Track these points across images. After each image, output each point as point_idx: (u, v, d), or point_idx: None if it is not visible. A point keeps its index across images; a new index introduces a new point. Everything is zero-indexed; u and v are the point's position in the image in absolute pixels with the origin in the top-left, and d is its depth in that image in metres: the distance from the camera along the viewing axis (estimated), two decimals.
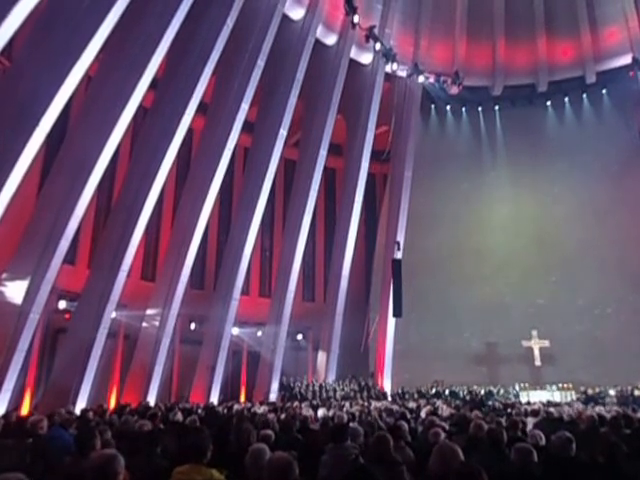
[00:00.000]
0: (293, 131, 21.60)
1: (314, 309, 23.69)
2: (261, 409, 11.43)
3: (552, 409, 9.87)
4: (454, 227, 23.84)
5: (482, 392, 20.18)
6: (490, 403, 17.43)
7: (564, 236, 22.79)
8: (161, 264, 19.06)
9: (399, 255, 21.42)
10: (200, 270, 21.39)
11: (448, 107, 26.58)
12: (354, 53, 22.93)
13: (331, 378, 21.26)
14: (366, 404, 14.75)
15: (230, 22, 17.22)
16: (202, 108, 17.88)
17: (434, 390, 20.56)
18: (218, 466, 3.54)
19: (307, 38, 20.56)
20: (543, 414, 8.98)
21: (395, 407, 12.81)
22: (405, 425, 5.46)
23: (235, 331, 19.87)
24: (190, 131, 18.19)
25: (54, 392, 14.40)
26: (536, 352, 21.53)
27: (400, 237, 23.12)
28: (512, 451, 3.98)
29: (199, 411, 10.97)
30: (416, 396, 19.74)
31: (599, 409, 11.81)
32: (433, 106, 26.59)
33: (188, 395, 18.17)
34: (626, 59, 23.68)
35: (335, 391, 19.95)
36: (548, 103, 25.82)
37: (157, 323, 17.20)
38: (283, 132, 19.92)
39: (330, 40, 22.44)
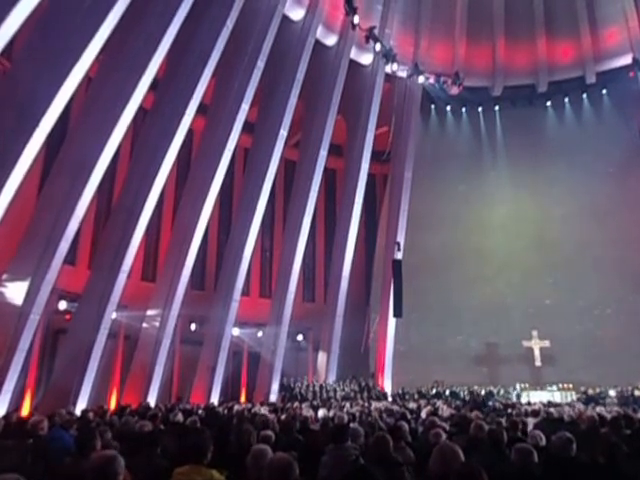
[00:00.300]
0: (293, 132, 21.60)
1: (314, 310, 23.69)
2: (261, 410, 11.43)
3: (552, 409, 9.86)
4: (454, 227, 23.84)
5: (482, 392, 20.17)
6: (490, 403, 17.43)
7: (564, 236, 22.79)
8: (161, 265, 19.07)
9: (399, 255, 21.42)
10: (200, 271, 21.40)
11: (448, 107, 26.58)
12: (354, 54, 22.94)
13: (331, 379, 21.26)
14: (366, 404, 14.76)
15: (230, 23, 17.22)
16: (202, 109, 17.88)
17: (434, 390, 20.55)
18: (218, 467, 3.54)
19: (307, 39, 20.57)
20: (543, 414, 8.99)
21: (395, 407, 12.82)
22: (405, 425, 5.46)
23: (235, 332, 19.87)
24: (190, 132, 18.20)
25: (54, 393, 14.40)
26: (536, 352, 21.53)
27: (400, 238, 23.13)
28: (512, 451, 3.98)
29: (199, 412, 10.97)
30: (416, 396, 19.73)
31: (599, 409, 11.80)
32: (433, 106, 26.59)
33: (188, 396, 18.17)
34: (626, 59, 23.68)
35: (335, 391, 19.95)
36: (548, 103, 25.82)
37: (157, 324, 17.20)
38: (283, 133, 19.92)
39: (330, 41, 22.46)
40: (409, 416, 9.41)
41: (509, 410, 12.84)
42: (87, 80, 14.96)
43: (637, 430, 6.06)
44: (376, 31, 22.63)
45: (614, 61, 24.39)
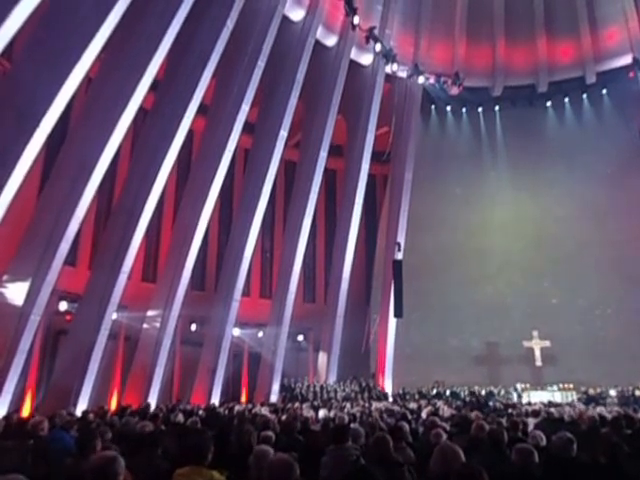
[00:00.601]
0: (293, 132, 21.59)
1: (315, 310, 23.69)
2: (262, 410, 11.43)
3: (553, 409, 9.86)
4: (454, 228, 23.82)
5: (483, 392, 20.16)
6: (491, 404, 17.43)
7: (564, 236, 22.77)
8: (162, 265, 19.07)
9: (400, 256, 21.42)
10: (201, 271, 21.40)
11: (448, 108, 26.58)
12: (354, 54, 22.93)
13: (332, 379, 21.25)
14: (367, 405, 14.77)
15: (230, 23, 17.23)
16: (202, 109, 17.88)
17: (435, 391, 20.54)
18: (219, 467, 3.54)
19: (307, 39, 20.57)
20: (544, 414, 8.99)
21: (396, 408, 12.83)
22: (406, 426, 5.46)
23: (236, 332, 19.87)
24: (190, 132, 18.21)
25: (55, 394, 14.40)
26: (537, 352, 21.52)
27: (401, 238, 23.12)
28: (513, 452, 3.97)
29: (200, 412, 10.97)
30: (417, 397, 19.71)
31: (600, 409, 11.79)
32: (433, 107, 26.58)
33: (189, 397, 18.16)
34: (626, 59, 23.67)
35: (336, 392, 19.94)
36: (548, 103, 25.81)
37: (158, 324, 17.20)
38: (283, 133, 19.92)
39: (330, 41, 22.46)
40: (410, 416, 9.43)
41: (510, 410, 12.84)
42: (87, 81, 14.97)
43: (638, 430, 6.06)
44: (376, 31, 22.61)
45: (614, 61, 24.38)
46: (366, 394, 20.05)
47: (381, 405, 14.80)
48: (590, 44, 24.57)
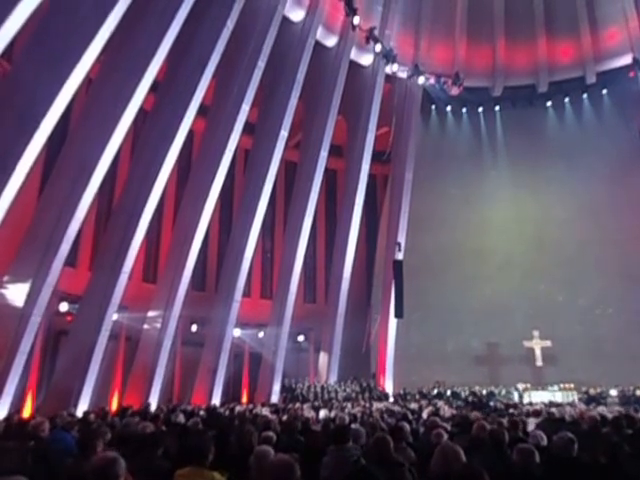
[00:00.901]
0: (294, 133, 21.59)
1: (315, 310, 23.69)
2: (263, 410, 11.43)
3: (554, 409, 9.86)
4: (455, 228, 23.82)
5: (484, 392, 20.15)
6: (492, 404, 17.42)
7: (565, 236, 22.78)
8: (162, 266, 19.07)
9: (400, 256, 21.42)
10: (201, 272, 21.40)
11: (448, 108, 26.58)
12: (354, 54, 22.94)
13: (333, 379, 21.25)
14: (368, 405, 14.76)
15: (230, 24, 17.23)
16: (203, 110, 17.88)
17: (436, 391, 20.52)
18: (220, 468, 3.54)
19: (307, 40, 20.57)
20: (545, 414, 8.98)
21: (397, 408, 12.83)
22: (407, 426, 5.46)
23: (237, 333, 19.86)
24: (191, 133, 18.20)
25: (56, 394, 14.40)
26: (537, 352, 21.50)
27: (401, 238, 23.12)
28: (514, 452, 3.97)
29: (201, 413, 10.97)
30: (418, 397, 19.69)
31: (601, 409, 11.78)
32: (433, 107, 26.59)
33: (189, 397, 18.16)
34: (626, 59, 23.66)
35: (337, 392, 19.93)
36: (548, 104, 25.81)
37: (159, 325, 17.20)
38: (284, 133, 19.92)
39: (330, 42, 22.46)
40: (410, 417, 9.43)
41: (511, 410, 12.83)
42: (87, 81, 14.97)
43: (639, 430, 6.05)
44: (376, 32, 22.62)
45: (614, 61, 24.38)
46: (367, 394, 20.05)
47: (382, 405, 14.79)
48: (590, 44, 24.57)
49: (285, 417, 8.98)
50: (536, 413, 9.54)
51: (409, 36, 24.91)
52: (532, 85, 26.07)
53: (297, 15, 21.02)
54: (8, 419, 8.08)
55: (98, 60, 14.15)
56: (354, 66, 23.04)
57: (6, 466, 4.48)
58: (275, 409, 12.34)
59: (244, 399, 20.68)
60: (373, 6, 23.31)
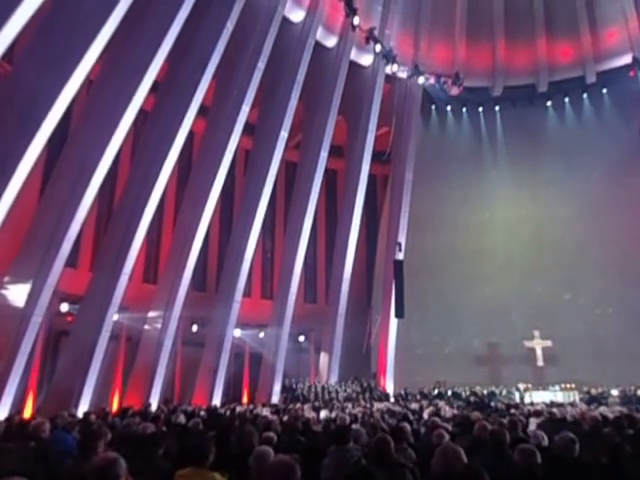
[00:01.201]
0: (294, 133, 21.60)
1: (316, 311, 23.69)
2: (263, 411, 11.43)
3: (555, 409, 9.84)
4: (455, 228, 23.82)
5: (484, 392, 20.14)
6: (493, 404, 17.40)
7: (565, 236, 22.78)
8: (163, 267, 19.08)
9: (401, 256, 21.41)
10: (202, 272, 21.41)
11: (448, 108, 26.58)
12: (354, 55, 22.94)
13: (333, 379, 21.24)
14: (368, 405, 14.75)
15: (230, 24, 17.24)
16: (203, 111, 17.89)
17: (436, 391, 20.51)
18: (220, 468, 3.54)
19: (307, 40, 20.58)
20: (546, 415, 8.97)
21: (397, 408, 12.82)
22: (408, 426, 5.45)
23: (237, 333, 19.86)
24: (191, 134, 18.20)
25: (56, 395, 14.41)
26: (538, 352, 21.49)
27: (401, 238, 23.12)
28: (515, 452, 3.97)
29: (201, 413, 10.97)
30: (418, 397, 19.68)
31: (602, 409, 11.77)
32: (433, 107, 26.59)
33: (190, 398, 18.16)
34: (626, 59, 23.66)
35: (337, 393, 19.93)
36: (548, 103, 25.81)
37: (159, 325, 17.21)
38: (284, 134, 19.93)
39: (330, 42, 22.47)
40: (411, 417, 9.42)
41: (512, 410, 12.81)
42: (88, 83, 14.97)
43: None
44: (376, 32, 22.63)
45: (614, 61, 24.37)
46: (367, 395, 20.04)
47: (382, 406, 14.77)
48: (590, 44, 24.57)
49: (286, 417, 8.97)
50: (537, 413, 9.53)
51: (409, 36, 24.91)
52: (532, 85, 26.07)
53: (297, 16, 21.02)
54: (9, 419, 8.07)
55: (99, 61, 14.14)
56: (354, 66, 23.04)
57: (6, 467, 4.48)
58: (276, 409, 12.33)
59: (245, 399, 20.68)
60: (373, 6, 23.32)
